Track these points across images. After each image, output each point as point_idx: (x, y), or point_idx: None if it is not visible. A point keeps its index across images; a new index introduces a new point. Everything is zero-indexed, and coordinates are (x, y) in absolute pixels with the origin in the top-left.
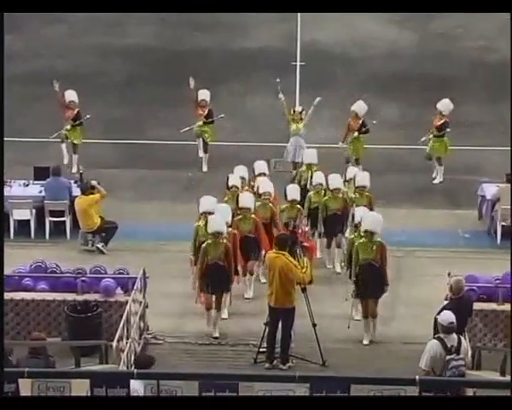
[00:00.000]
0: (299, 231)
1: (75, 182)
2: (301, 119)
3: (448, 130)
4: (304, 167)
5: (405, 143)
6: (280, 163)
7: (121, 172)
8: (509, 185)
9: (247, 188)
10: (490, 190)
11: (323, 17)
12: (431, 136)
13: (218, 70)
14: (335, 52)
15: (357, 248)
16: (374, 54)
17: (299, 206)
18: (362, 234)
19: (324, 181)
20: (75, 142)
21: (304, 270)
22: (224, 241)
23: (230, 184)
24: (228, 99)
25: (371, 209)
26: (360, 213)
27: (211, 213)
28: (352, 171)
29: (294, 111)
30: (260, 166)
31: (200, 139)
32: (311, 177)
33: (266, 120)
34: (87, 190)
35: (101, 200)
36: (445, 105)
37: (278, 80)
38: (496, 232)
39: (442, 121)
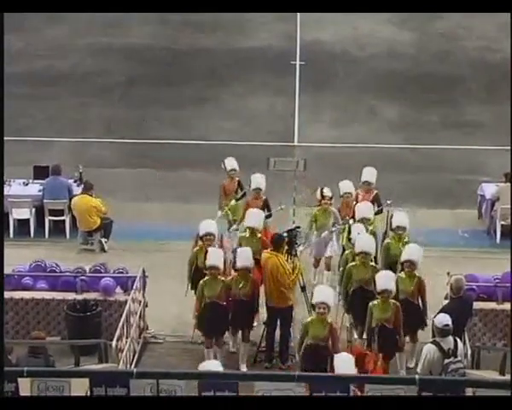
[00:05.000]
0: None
1: (74, 181)
2: (331, 204)
3: (388, 202)
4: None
5: (405, 142)
6: (279, 162)
7: (121, 172)
8: (509, 185)
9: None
10: (489, 189)
11: (323, 17)
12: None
13: (218, 70)
14: (336, 52)
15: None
16: (374, 54)
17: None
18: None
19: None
20: (235, 219)
21: (292, 277)
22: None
23: (203, 231)
24: (228, 99)
25: (422, 298)
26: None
27: (211, 235)
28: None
29: (323, 196)
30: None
31: None
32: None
33: (266, 120)
34: (90, 189)
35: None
36: (371, 173)
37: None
38: (495, 232)
39: (374, 194)
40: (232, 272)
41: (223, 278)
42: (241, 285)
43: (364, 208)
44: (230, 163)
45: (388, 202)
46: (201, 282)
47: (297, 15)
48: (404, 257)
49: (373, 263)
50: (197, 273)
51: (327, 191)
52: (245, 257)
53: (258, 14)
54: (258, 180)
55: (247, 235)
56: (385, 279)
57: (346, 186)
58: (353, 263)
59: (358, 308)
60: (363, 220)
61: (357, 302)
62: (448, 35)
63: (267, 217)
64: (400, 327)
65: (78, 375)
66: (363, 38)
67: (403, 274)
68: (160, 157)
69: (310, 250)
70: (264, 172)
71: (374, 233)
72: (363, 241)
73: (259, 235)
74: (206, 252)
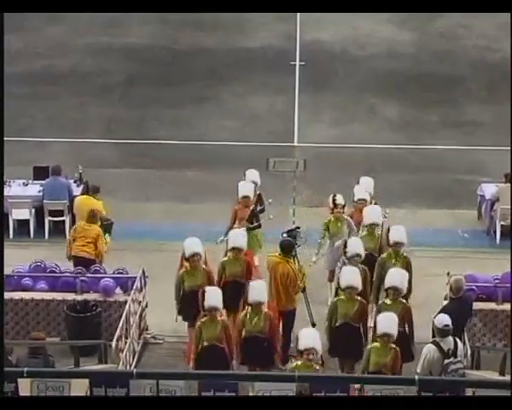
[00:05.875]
0: None
1: (74, 181)
2: (344, 212)
3: (387, 211)
4: (365, 231)
5: (405, 142)
6: (279, 163)
7: (121, 172)
8: (509, 185)
9: (203, 267)
10: (489, 189)
11: (323, 17)
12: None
13: (218, 70)
14: (335, 52)
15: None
16: (374, 54)
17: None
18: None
19: (363, 251)
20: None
21: (300, 284)
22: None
23: (189, 251)
24: (228, 99)
25: (409, 325)
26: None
27: (197, 255)
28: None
29: (336, 204)
30: None
31: None
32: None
33: (266, 120)
34: (96, 192)
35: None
36: (368, 183)
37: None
38: (495, 232)
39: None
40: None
41: (222, 319)
42: (254, 321)
43: (372, 213)
44: (247, 187)
45: (387, 211)
46: (199, 323)
47: (297, 15)
48: (386, 284)
49: (359, 297)
50: (185, 298)
51: (339, 199)
52: (258, 291)
53: (258, 14)
54: (246, 188)
55: (231, 257)
56: (386, 322)
57: (360, 192)
58: (339, 297)
59: (342, 346)
60: (372, 226)
61: (342, 339)
62: (448, 35)
63: (256, 227)
64: (399, 374)
65: (78, 375)
66: (363, 37)
67: (388, 301)
68: (160, 157)
69: (324, 262)
70: (264, 172)
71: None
72: (349, 274)
73: (243, 257)
74: (193, 272)
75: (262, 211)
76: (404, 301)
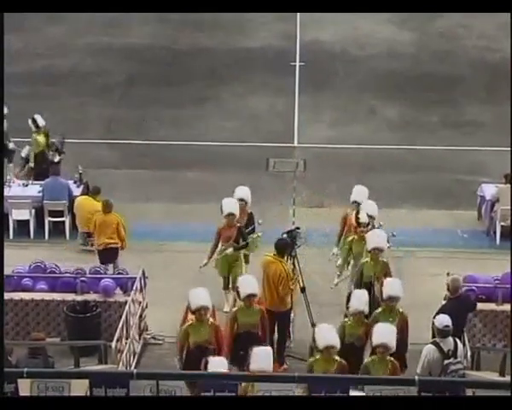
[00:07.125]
0: None
1: (74, 182)
2: (367, 231)
3: (381, 224)
4: (368, 258)
5: (405, 143)
6: (279, 163)
7: (121, 173)
8: (509, 186)
9: (211, 320)
10: (489, 190)
11: (323, 17)
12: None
13: (218, 70)
14: (335, 52)
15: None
16: (374, 54)
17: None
18: None
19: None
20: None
21: (292, 287)
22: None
23: (196, 304)
24: (228, 99)
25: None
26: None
27: (206, 309)
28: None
29: (359, 222)
30: None
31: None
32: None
33: (266, 120)
34: (97, 193)
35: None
36: (362, 193)
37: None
38: (495, 233)
39: None
40: None
41: None
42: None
43: (376, 237)
44: (230, 204)
45: (381, 223)
46: None
47: (297, 15)
48: (375, 342)
49: (338, 357)
50: (190, 355)
51: (363, 218)
52: (263, 359)
53: (258, 14)
54: (231, 205)
55: (243, 306)
56: None
57: (371, 209)
58: (315, 358)
59: None
60: (376, 250)
61: None
62: (448, 35)
63: (243, 247)
64: None
65: (78, 376)
66: (363, 37)
67: (375, 358)
68: (160, 157)
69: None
70: (264, 172)
71: (386, 264)
72: (326, 333)
73: (257, 305)
74: (199, 326)
75: (252, 231)
76: (392, 358)
